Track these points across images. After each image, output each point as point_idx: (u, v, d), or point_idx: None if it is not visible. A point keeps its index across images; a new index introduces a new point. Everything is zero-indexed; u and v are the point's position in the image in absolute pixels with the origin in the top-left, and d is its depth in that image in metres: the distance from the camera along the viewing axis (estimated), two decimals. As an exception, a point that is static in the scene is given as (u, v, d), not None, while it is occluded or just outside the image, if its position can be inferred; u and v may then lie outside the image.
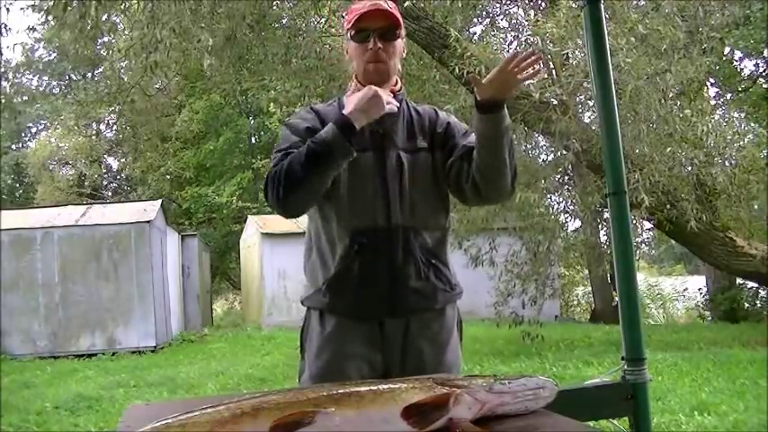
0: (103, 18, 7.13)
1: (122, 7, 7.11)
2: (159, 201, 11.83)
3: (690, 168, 7.10)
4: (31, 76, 23.43)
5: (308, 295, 1.77)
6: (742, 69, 13.83)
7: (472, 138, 1.74)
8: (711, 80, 11.71)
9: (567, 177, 9.03)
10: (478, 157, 1.67)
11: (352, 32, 1.73)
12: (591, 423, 2.08)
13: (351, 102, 1.62)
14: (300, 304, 1.81)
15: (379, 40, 1.70)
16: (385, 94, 1.61)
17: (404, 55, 1.83)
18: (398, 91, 1.78)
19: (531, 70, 1.57)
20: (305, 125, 1.72)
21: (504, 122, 1.63)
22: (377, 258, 1.67)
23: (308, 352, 1.75)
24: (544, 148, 9.19)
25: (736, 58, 13.39)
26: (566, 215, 8.56)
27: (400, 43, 1.77)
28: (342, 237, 1.68)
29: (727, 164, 7.34)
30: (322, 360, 1.70)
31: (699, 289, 14.76)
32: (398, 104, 1.75)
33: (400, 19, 1.75)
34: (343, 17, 1.88)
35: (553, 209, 8.31)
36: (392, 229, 1.68)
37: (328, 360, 1.69)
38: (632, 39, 6.45)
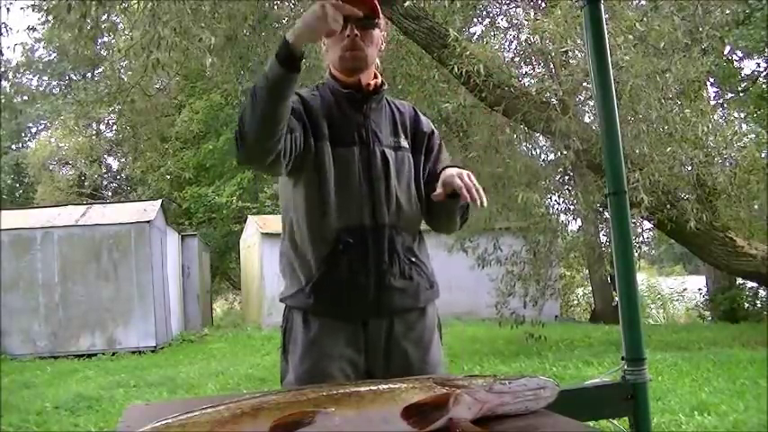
0: (103, 18, 7.13)
1: (122, 7, 7.11)
2: (159, 201, 11.83)
3: (690, 168, 7.10)
4: (31, 76, 23.47)
5: (290, 294, 1.72)
6: (742, 69, 13.84)
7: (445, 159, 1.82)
8: (711, 80, 11.70)
9: (567, 177, 9.03)
10: (432, 209, 1.74)
11: None
12: (591, 423, 2.08)
13: (296, 23, 1.51)
14: (279, 301, 1.77)
15: (357, 28, 1.66)
16: (333, 11, 1.48)
17: (382, 47, 1.80)
18: (381, 87, 1.76)
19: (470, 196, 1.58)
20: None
21: (460, 202, 1.65)
22: (363, 258, 1.64)
23: (292, 355, 1.70)
24: (545, 147, 9.19)
25: (736, 57, 13.40)
26: (566, 215, 8.56)
27: (378, 33, 1.73)
28: (326, 235, 1.65)
29: (727, 164, 7.35)
30: (306, 364, 1.66)
31: (699, 289, 14.77)
32: (381, 100, 1.76)
33: (379, 8, 1.72)
34: None
35: (554, 209, 8.32)
36: (378, 228, 1.66)
37: (313, 364, 1.66)
38: (630, 37, 6.45)
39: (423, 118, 1.85)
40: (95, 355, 9.50)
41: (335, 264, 1.64)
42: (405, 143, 1.76)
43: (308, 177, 1.66)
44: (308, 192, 1.66)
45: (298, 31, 1.47)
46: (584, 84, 6.93)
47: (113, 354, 9.53)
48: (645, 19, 6.48)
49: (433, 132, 1.83)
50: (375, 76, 1.76)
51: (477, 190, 1.54)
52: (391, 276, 1.66)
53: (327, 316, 1.67)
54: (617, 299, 2.41)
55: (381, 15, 1.75)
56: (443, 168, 1.68)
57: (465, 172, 1.59)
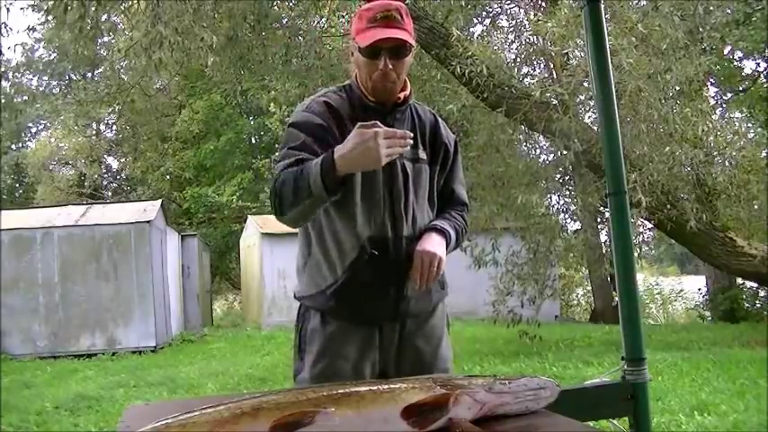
0: (103, 18, 7.13)
1: (122, 7, 7.11)
2: (159, 201, 11.82)
3: (689, 168, 7.10)
4: (31, 76, 23.47)
5: (309, 295, 1.77)
6: (742, 69, 13.82)
7: (458, 188, 1.88)
8: (711, 80, 11.70)
9: (567, 177, 9.03)
10: None
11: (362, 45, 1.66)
12: (591, 423, 2.08)
13: (346, 146, 1.48)
14: (294, 298, 1.82)
15: (390, 59, 1.64)
16: (384, 142, 1.45)
17: (411, 60, 1.81)
18: (406, 99, 1.77)
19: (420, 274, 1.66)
20: (317, 122, 1.68)
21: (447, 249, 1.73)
22: (385, 268, 1.70)
23: (308, 354, 1.75)
24: (545, 147, 9.19)
25: (736, 57, 13.38)
26: (566, 215, 8.55)
27: (409, 58, 1.73)
28: (352, 244, 1.70)
29: (727, 164, 7.34)
30: (323, 363, 1.72)
31: (699, 289, 14.76)
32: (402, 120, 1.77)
33: (412, 34, 1.69)
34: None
35: (553, 209, 8.31)
36: (398, 239, 1.71)
37: (328, 363, 1.72)
38: (633, 38, 6.45)
39: (442, 128, 1.85)
40: (95, 355, 9.49)
41: (358, 271, 1.69)
42: (422, 154, 1.78)
43: None
44: (336, 200, 1.64)
45: (348, 163, 1.48)
46: (585, 84, 6.92)
47: (113, 354, 9.51)
48: (646, 19, 6.48)
49: (449, 143, 1.84)
50: (403, 87, 1.76)
51: (427, 275, 1.63)
52: (409, 286, 1.71)
53: (346, 319, 1.73)
54: (617, 299, 2.41)
55: (414, 37, 1.72)
56: (426, 230, 1.72)
57: (428, 252, 1.64)
